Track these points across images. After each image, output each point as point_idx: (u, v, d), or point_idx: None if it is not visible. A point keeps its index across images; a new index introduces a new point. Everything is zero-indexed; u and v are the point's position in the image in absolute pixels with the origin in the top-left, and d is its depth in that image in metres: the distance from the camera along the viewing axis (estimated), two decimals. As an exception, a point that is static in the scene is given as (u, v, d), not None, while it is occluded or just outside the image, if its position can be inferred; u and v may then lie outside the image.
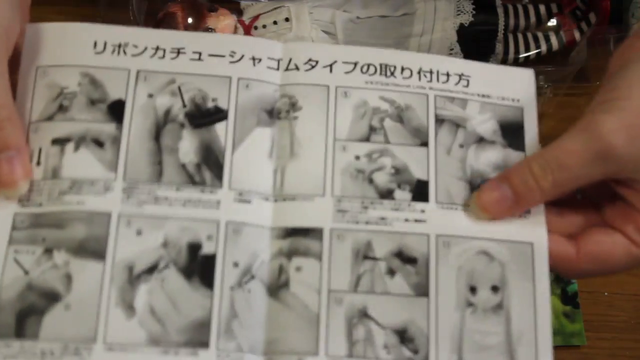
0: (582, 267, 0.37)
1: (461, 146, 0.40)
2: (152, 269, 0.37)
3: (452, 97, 0.41)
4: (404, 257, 0.38)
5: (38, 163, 0.38)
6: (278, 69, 0.41)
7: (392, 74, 0.41)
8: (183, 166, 0.39)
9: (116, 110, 0.39)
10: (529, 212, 0.38)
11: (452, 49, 0.63)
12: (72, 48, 0.40)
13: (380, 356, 0.37)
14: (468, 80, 0.41)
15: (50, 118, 0.39)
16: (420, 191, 0.39)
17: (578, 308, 0.59)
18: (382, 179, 0.39)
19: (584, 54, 0.61)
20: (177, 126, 0.40)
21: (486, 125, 0.41)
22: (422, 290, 0.38)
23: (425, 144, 0.40)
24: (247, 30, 0.63)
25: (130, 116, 0.39)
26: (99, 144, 0.39)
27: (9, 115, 0.37)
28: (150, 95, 0.40)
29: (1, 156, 0.37)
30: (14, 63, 0.39)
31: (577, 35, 0.64)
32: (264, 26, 0.63)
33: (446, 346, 0.37)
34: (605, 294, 0.59)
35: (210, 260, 0.38)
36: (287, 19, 0.63)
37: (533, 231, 0.38)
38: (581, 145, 0.35)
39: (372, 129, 0.40)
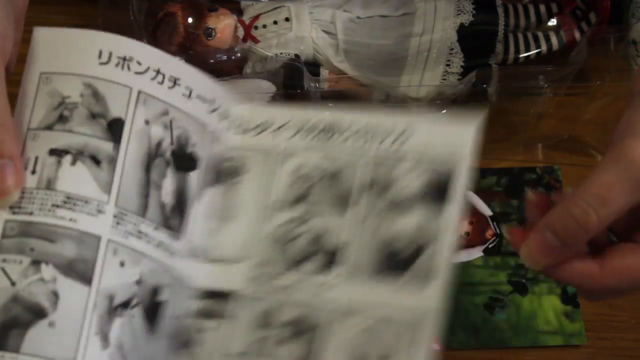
0: (607, 283, 0.36)
1: (379, 214, 0.40)
2: (126, 304, 0.38)
3: (387, 157, 0.40)
4: (299, 328, 0.38)
5: (33, 172, 0.38)
6: (236, 132, 0.42)
7: (332, 136, 0.41)
8: (163, 206, 0.39)
9: (115, 129, 0.39)
10: (435, 280, 0.38)
11: (452, 49, 0.63)
12: (77, 56, 0.40)
13: None
14: (406, 138, 0.41)
15: (49, 127, 0.39)
16: (332, 261, 0.40)
17: (578, 308, 0.58)
18: (297, 247, 0.40)
19: (584, 53, 0.61)
20: (164, 162, 0.40)
21: (413, 185, 0.40)
22: None
23: (344, 211, 0.40)
24: (247, 30, 0.63)
25: (128, 139, 0.39)
26: (96, 161, 0.38)
27: (2, 121, 0.37)
28: (147, 122, 0.40)
29: None
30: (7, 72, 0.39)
31: (577, 35, 0.64)
32: (264, 26, 0.63)
33: None
34: (606, 293, 0.59)
35: (162, 309, 0.39)
36: (287, 19, 0.63)
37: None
38: (618, 176, 0.34)
39: (300, 196, 0.41)
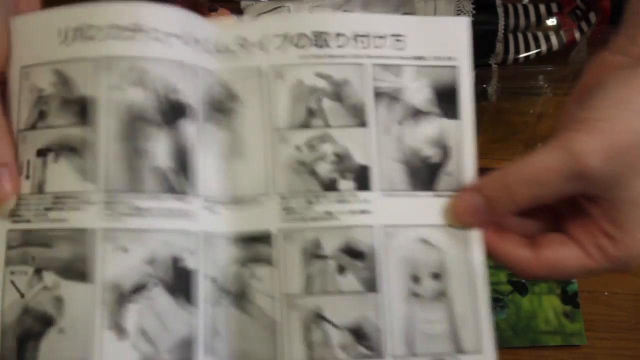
0: (537, 271, 0.38)
1: (399, 123, 0.39)
2: (139, 288, 0.36)
3: (388, 65, 0.39)
4: (352, 253, 0.37)
5: (27, 176, 0.37)
6: (211, 51, 0.38)
7: (326, 43, 0.38)
8: (158, 171, 0.37)
9: (86, 110, 0.37)
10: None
11: (452, 49, 0.63)
12: (42, 41, 0.37)
13: (339, 357, 0.37)
14: (404, 42, 0.39)
15: (34, 126, 0.37)
16: (363, 179, 0.38)
17: (578, 308, 0.59)
18: (325, 169, 0.38)
19: (584, 53, 0.61)
20: (147, 123, 0.37)
21: (421, 94, 0.39)
22: (371, 285, 0.37)
23: (364, 123, 0.38)
24: (247, 30, 0.63)
25: (99, 115, 0.36)
26: (74, 151, 0.36)
27: None
28: (116, 88, 0.37)
29: None
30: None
31: (577, 35, 0.64)
32: (264, 26, 0.63)
33: (398, 339, 0.37)
34: (605, 293, 0.59)
35: (193, 275, 0.37)
36: (287, 19, 0.63)
37: None
38: (558, 163, 0.35)
39: (310, 113, 0.38)
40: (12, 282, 0.36)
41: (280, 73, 0.38)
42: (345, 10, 0.64)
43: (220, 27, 0.39)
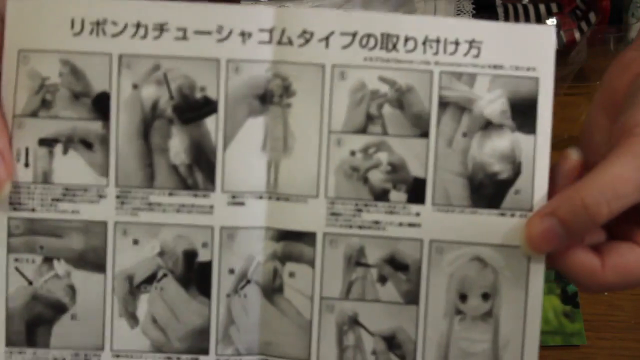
0: (607, 279, 0.35)
1: (464, 135, 0.37)
2: (151, 279, 0.37)
3: (460, 73, 0.37)
4: (396, 264, 0.37)
5: (26, 164, 0.37)
6: (270, 41, 0.37)
7: (394, 47, 0.37)
8: (174, 168, 0.37)
9: (101, 106, 0.37)
10: (531, 210, 0.37)
11: (452, 49, 0.63)
12: (50, 29, 0.37)
13: None
14: (479, 48, 0.37)
15: (34, 114, 0.37)
16: (416, 191, 0.37)
17: (578, 308, 0.58)
18: (377, 177, 0.37)
19: (584, 53, 0.61)
20: (165, 122, 0.37)
21: (495, 105, 0.37)
22: (412, 297, 0.37)
23: (425, 134, 0.37)
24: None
25: (117, 112, 0.37)
26: (87, 145, 0.37)
27: None
28: (135, 86, 0.37)
29: None
30: None
31: (577, 35, 0.64)
32: (264, 26, 0.63)
33: (432, 353, 0.37)
34: (605, 293, 0.59)
35: (206, 268, 0.37)
36: (287, 19, 0.63)
37: None
38: (635, 171, 0.33)
39: (369, 118, 0.37)
40: (17, 269, 0.37)
41: (343, 73, 0.37)
42: (345, 11, 0.64)
43: (286, 17, 0.37)
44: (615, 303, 0.58)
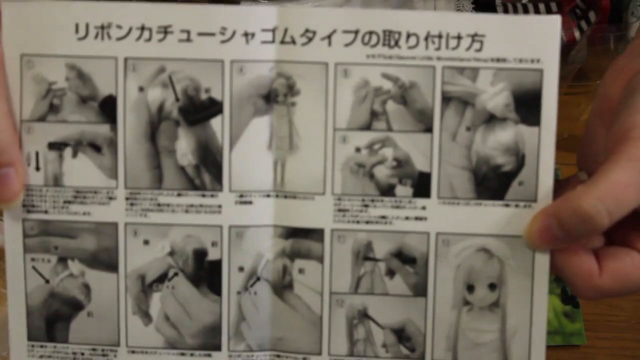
0: (604, 284, 0.35)
1: (468, 129, 0.37)
2: (162, 278, 0.38)
3: (462, 67, 0.37)
4: (404, 258, 0.38)
5: (37, 168, 0.38)
6: (273, 41, 0.37)
7: (396, 43, 0.37)
8: (182, 169, 0.38)
9: (108, 109, 0.38)
10: (535, 201, 0.37)
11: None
12: (54, 33, 0.37)
13: (379, 355, 0.38)
14: (482, 42, 0.37)
15: (42, 119, 0.38)
16: (421, 185, 0.37)
17: (578, 308, 0.58)
18: (383, 173, 0.38)
19: (584, 52, 0.60)
20: (172, 124, 0.38)
21: (498, 98, 0.37)
22: (420, 290, 0.38)
23: (429, 129, 0.37)
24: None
25: (124, 115, 0.38)
26: (96, 148, 0.38)
27: (3, 127, 0.36)
28: (141, 89, 0.37)
29: None
30: None
31: (576, 34, 0.64)
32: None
33: (441, 344, 0.38)
34: (604, 296, 0.59)
35: (216, 266, 0.38)
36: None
37: None
38: (634, 177, 0.33)
39: (373, 115, 0.37)
40: (34, 268, 0.38)
41: (346, 71, 0.37)
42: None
43: (289, 16, 0.37)
44: (615, 303, 0.58)
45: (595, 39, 0.62)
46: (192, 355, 0.39)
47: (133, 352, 0.39)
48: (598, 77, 0.61)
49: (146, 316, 0.39)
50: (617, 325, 0.58)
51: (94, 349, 0.39)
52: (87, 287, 0.38)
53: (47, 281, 0.38)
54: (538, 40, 0.37)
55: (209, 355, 0.39)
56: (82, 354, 0.39)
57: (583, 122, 0.64)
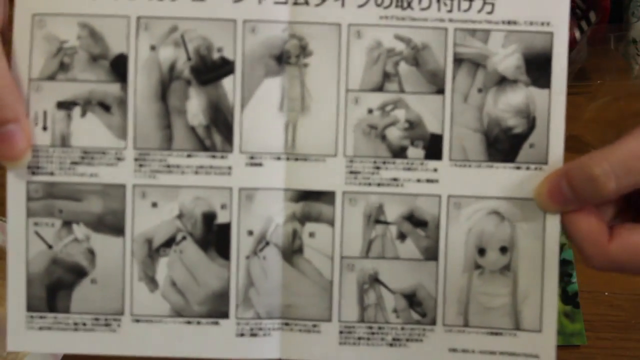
0: (612, 252, 0.35)
1: (480, 90, 0.37)
2: (170, 242, 0.38)
3: (474, 30, 0.37)
4: (415, 221, 0.38)
5: (44, 128, 0.37)
6: (286, 2, 0.37)
7: (409, 5, 0.37)
8: (192, 129, 0.37)
9: (119, 67, 0.37)
10: (546, 164, 0.37)
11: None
12: None
13: (390, 320, 0.38)
14: (493, 4, 0.37)
15: (52, 77, 0.37)
16: (433, 147, 0.38)
17: (578, 308, 0.58)
18: (395, 135, 0.38)
19: (585, 52, 0.61)
20: (183, 84, 0.37)
21: (509, 60, 0.37)
22: (431, 254, 0.38)
23: (441, 91, 0.37)
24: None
25: (134, 74, 0.37)
26: (105, 107, 0.37)
27: (5, 83, 0.35)
28: (153, 48, 0.37)
29: (1, 130, 0.35)
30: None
31: (577, 34, 0.64)
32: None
33: (453, 308, 0.38)
34: (606, 293, 0.59)
35: (225, 229, 0.38)
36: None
37: None
38: None
39: (386, 76, 0.38)
40: (37, 233, 0.37)
41: (359, 32, 0.38)
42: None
43: None
44: (615, 303, 0.58)
45: (595, 39, 0.62)
46: (198, 323, 0.38)
47: (137, 320, 0.38)
48: (598, 77, 0.61)
49: (152, 282, 0.38)
50: (617, 325, 0.58)
51: (96, 319, 0.38)
52: (91, 253, 0.37)
53: (50, 247, 0.37)
54: (548, 3, 0.37)
55: (216, 323, 0.38)
56: (84, 324, 0.38)
57: (583, 123, 0.64)
